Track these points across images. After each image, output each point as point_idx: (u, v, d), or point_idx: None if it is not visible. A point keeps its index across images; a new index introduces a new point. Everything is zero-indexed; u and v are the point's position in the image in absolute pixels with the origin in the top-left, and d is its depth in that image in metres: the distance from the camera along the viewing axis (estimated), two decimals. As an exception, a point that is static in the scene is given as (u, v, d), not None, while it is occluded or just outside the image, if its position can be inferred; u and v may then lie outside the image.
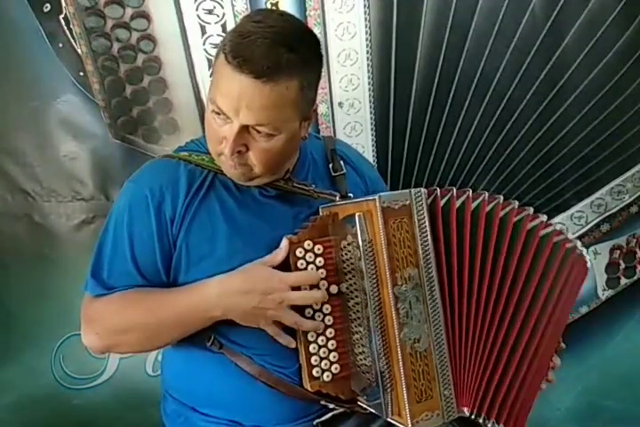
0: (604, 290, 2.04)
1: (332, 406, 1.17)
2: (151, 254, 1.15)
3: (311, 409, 1.18)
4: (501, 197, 1.15)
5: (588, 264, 1.23)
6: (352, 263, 1.11)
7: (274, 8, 1.72)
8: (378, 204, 1.06)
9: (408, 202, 1.08)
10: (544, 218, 1.17)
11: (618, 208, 2.01)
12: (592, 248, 1.97)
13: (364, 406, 1.13)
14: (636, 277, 2.07)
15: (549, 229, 1.16)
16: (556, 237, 1.16)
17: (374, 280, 1.08)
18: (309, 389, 1.12)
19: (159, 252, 1.15)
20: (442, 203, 1.11)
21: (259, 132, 1.09)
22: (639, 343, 2.04)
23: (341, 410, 1.18)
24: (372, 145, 1.83)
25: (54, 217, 1.82)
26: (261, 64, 1.03)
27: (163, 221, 1.15)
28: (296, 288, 1.10)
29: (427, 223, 1.08)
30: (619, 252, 2.04)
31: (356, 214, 1.09)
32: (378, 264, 1.08)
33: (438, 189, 1.11)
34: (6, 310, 1.85)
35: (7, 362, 1.85)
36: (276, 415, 1.17)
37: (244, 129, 1.09)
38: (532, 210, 1.16)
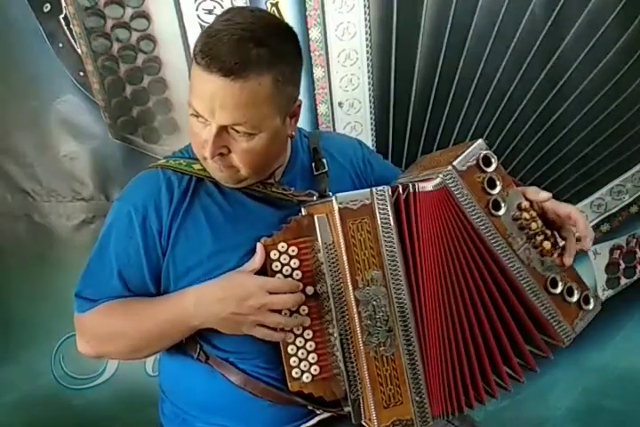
0: (604, 290, 2.04)
1: (319, 411, 1.15)
2: (138, 270, 1.14)
3: (299, 415, 1.17)
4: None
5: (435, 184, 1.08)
6: (322, 264, 1.07)
7: (273, 8, 1.73)
8: (335, 204, 1.03)
9: (369, 201, 1.04)
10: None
11: (618, 208, 2.01)
12: (592, 248, 1.97)
13: (346, 409, 1.11)
14: (635, 277, 2.07)
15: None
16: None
17: (337, 283, 1.05)
18: (290, 389, 1.10)
19: (146, 266, 1.14)
20: (403, 197, 1.06)
21: (238, 131, 1.06)
22: (639, 343, 2.04)
23: (328, 415, 1.16)
24: (372, 145, 1.83)
25: (54, 217, 1.82)
26: (229, 61, 1.00)
27: (149, 235, 1.13)
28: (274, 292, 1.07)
29: (391, 222, 1.04)
30: (619, 252, 2.04)
31: (315, 216, 1.06)
32: (339, 267, 1.05)
33: (400, 186, 1.06)
34: (6, 310, 1.85)
35: (7, 362, 1.85)
36: (264, 422, 1.17)
37: (223, 130, 1.06)
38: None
